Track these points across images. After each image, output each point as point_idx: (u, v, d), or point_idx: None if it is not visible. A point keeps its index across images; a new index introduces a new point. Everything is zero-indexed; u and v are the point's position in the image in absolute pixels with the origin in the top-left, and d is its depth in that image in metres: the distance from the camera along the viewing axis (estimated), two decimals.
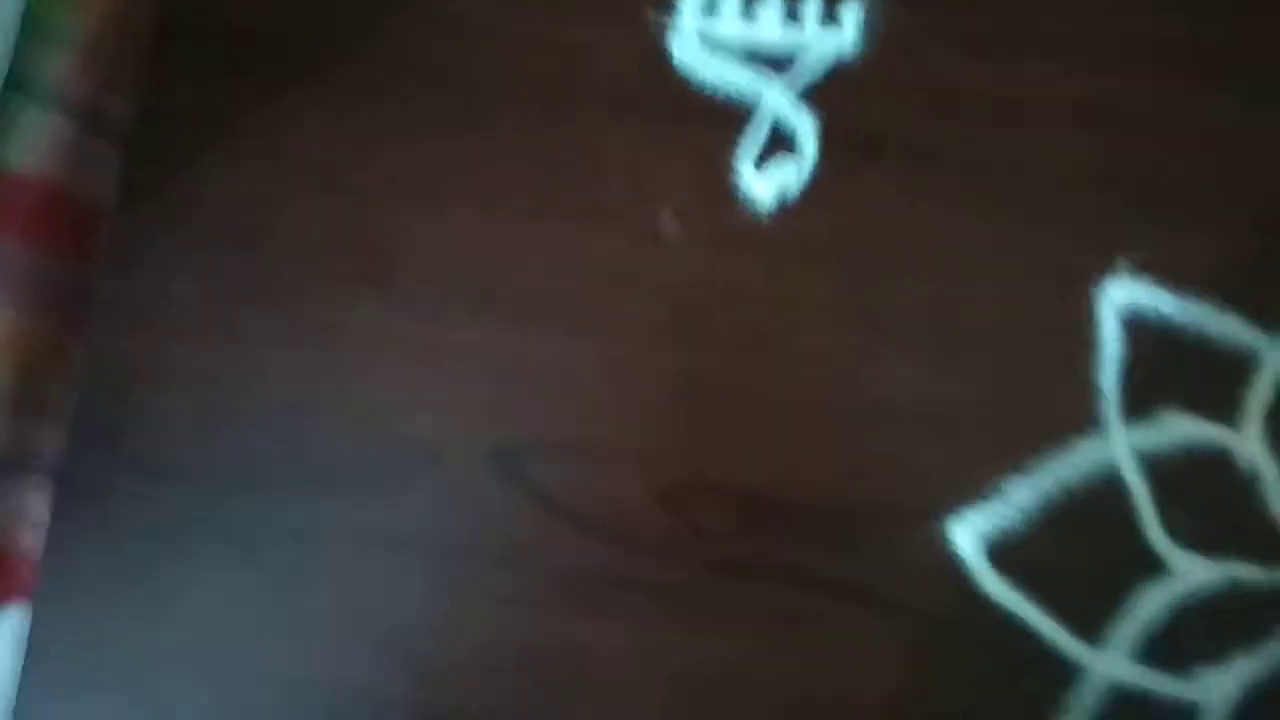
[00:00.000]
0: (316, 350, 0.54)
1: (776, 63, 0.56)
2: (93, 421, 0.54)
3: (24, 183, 0.54)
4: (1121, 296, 0.54)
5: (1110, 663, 0.53)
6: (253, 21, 0.56)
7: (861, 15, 0.56)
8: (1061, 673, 0.53)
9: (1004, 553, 0.53)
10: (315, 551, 0.54)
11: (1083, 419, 0.53)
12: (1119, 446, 0.53)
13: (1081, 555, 0.53)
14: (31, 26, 0.54)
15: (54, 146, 0.55)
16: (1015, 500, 0.53)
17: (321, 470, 0.54)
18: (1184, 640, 0.53)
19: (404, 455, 0.54)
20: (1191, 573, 0.53)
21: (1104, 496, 0.53)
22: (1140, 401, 0.54)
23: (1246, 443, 0.54)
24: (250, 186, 0.55)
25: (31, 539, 0.55)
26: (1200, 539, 0.53)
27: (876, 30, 0.56)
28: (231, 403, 0.54)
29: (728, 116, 0.56)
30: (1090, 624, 0.53)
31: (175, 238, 0.55)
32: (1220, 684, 0.52)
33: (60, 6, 0.55)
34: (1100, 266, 0.54)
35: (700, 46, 0.56)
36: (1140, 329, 0.54)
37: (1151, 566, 0.53)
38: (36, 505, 0.55)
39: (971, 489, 0.53)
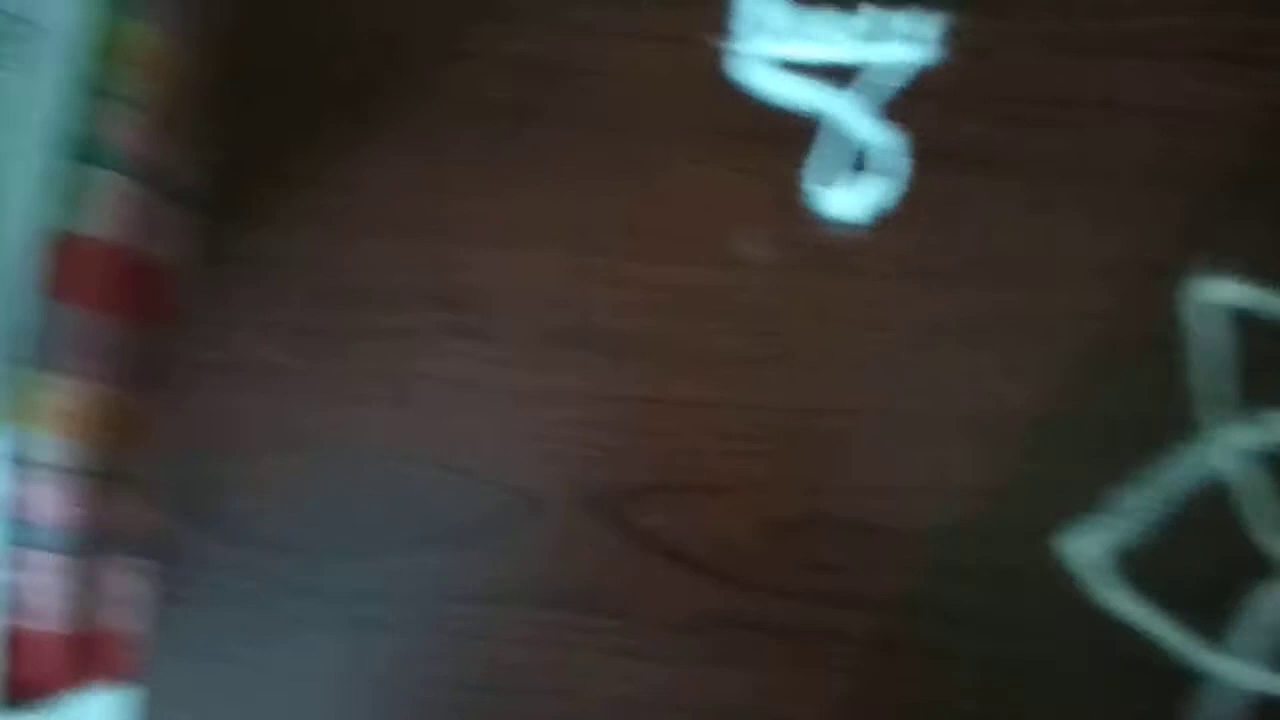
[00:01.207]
0: (409, 404, 0.53)
1: (844, 77, 0.55)
2: (186, 492, 0.53)
3: (96, 249, 0.52)
4: (1217, 296, 0.53)
5: (1232, 668, 0.52)
6: (323, 73, 0.55)
7: (939, 26, 0.55)
8: (1187, 681, 0.52)
9: (1121, 564, 0.52)
10: (421, 609, 0.53)
11: (1188, 424, 0.53)
12: (1225, 449, 0.53)
13: (1197, 562, 0.52)
14: (97, 90, 0.52)
15: (125, 211, 0.53)
16: (1128, 511, 0.52)
17: (421, 526, 0.53)
18: None
19: (504, 505, 0.53)
20: None
21: (1215, 501, 0.53)
22: (1244, 402, 0.53)
23: None
24: (331, 240, 0.54)
25: (122, 617, 0.53)
26: None
27: (955, 40, 0.55)
28: (326, 464, 0.53)
29: (800, 135, 0.55)
30: (1211, 631, 0.52)
31: (258, 296, 0.54)
32: None
33: (125, 70, 0.54)
34: (1195, 266, 0.53)
35: (769, 66, 0.55)
36: (1239, 328, 0.53)
37: (1266, 569, 0.52)
38: (132, 582, 0.53)
39: (1083, 502, 0.52)
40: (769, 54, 0.54)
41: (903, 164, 0.54)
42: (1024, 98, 0.55)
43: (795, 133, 0.55)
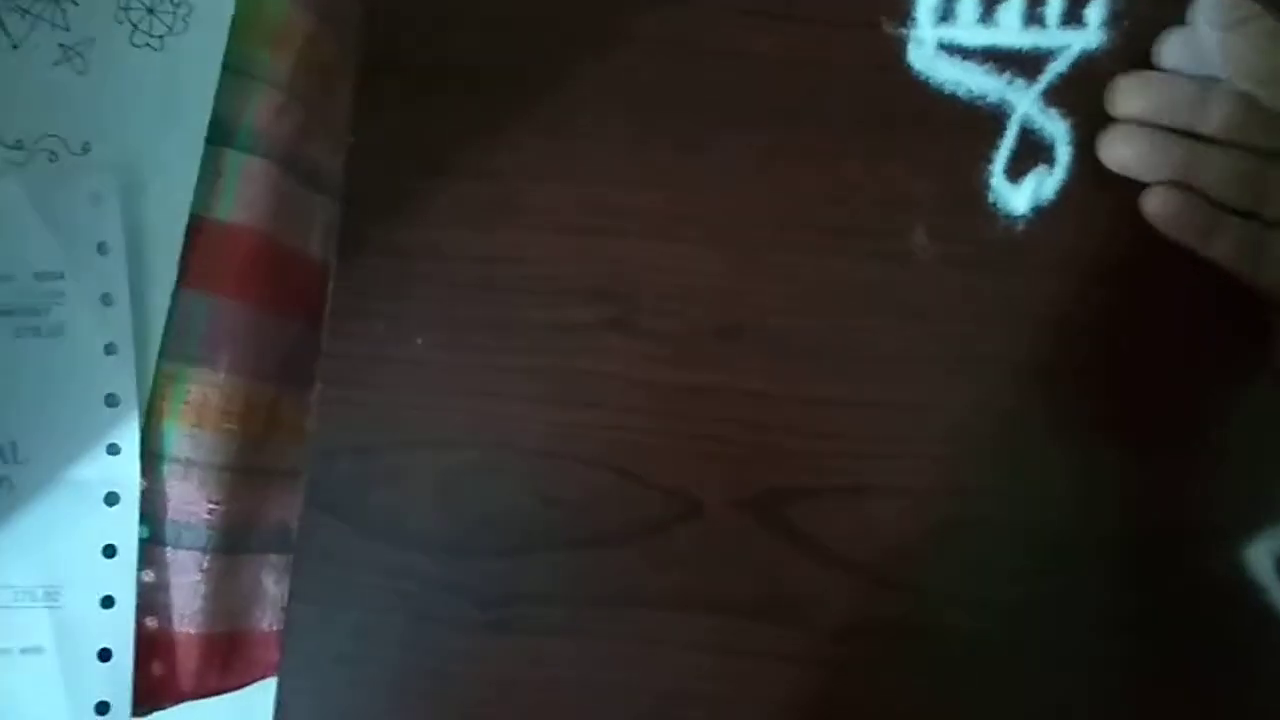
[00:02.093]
0: (563, 401, 0.51)
1: (1021, 66, 0.53)
2: (329, 488, 0.51)
3: (235, 235, 0.50)
4: None
5: None
6: (463, 52, 0.53)
7: (1106, 11, 0.52)
8: None
9: None
10: (573, 613, 0.51)
11: None
12: None
13: None
14: (239, 70, 0.50)
15: (263, 194, 0.51)
16: None
17: (576, 527, 0.51)
18: None
19: (663, 507, 0.51)
20: None
21: None
22: None
23: None
24: (483, 232, 0.52)
25: (262, 616, 0.52)
26: None
27: (1123, 25, 0.52)
28: (476, 461, 0.51)
29: (974, 125, 0.53)
30: None
31: (406, 288, 0.51)
32: None
33: (257, 46, 0.51)
34: None
35: (940, 54, 0.52)
36: None
37: None
38: (273, 580, 0.51)
39: (1265, 508, 0.50)
40: (946, 39, 0.52)
41: (1075, 154, 0.52)
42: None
43: (969, 122, 0.53)
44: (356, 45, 0.53)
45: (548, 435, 0.51)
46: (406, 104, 0.53)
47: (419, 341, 0.51)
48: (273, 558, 0.52)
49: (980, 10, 0.53)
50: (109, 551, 0.48)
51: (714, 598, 0.51)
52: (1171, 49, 0.51)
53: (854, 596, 0.51)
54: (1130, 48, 0.53)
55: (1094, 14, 0.53)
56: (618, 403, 0.51)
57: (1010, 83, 0.53)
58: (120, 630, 0.48)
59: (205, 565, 0.50)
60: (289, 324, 0.53)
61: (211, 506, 0.50)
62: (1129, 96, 0.50)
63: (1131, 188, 0.52)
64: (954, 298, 0.52)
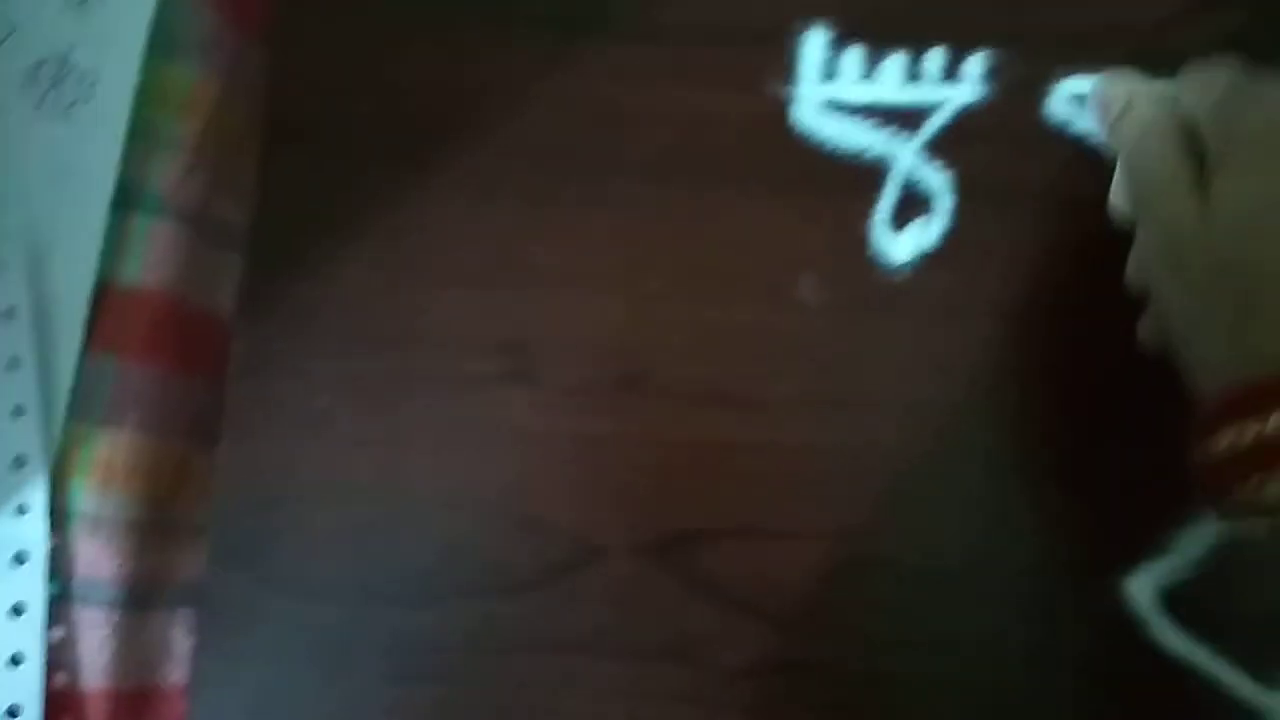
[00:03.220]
0: (467, 452, 0.52)
1: (903, 120, 0.55)
2: (233, 542, 0.52)
3: (142, 298, 0.51)
4: None
5: None
6: (364, 114, 0.55)
7: (984, 67, 0.55)
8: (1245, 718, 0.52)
9: (1179, 604, 0.52)
10: (480, 661, 0.52)
11: None
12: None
13: (1257, 599, 0.52)
14: (137, 134, 0.52)
15: (169, 257, 0.52)
16: (1186, 550, 0.52)
17: (481, 576, 0.52)
18: None
19: (567, 553, 0.52)
20: None
21: (1271, 537, 0.52)
22: None
23: None
24: (378, 285, 0.53)
25: (170, 670, 0.52)
26: None
27: (1000, 80, 0.55)
28: (381, 512, 0.52)
29: (859, 178, 0.55)
30: (1269, 668, 0.52)
31: (306, 343, 0.53)
32: None
33: (164, 111, 0.53)
34: None
35: (825, 111, 0.55)
36: None
37: None
38: (181, 635, 0.52)
39: (1143, 542, 0.52)
40: (830, 99, 0.54)
41: (956, 204, 0.54)
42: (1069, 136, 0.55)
43: (853, 176, 0.55)
44: (263, 108, 0.55)
45: (451, 486, 0.52)
46: (310, 164, 0.54)
47: (322, 397, 0.52)
48: (182, 612, 0.53)
49: (863, 68, 0.55)
50: (17, 610, 0.49)
51: (618, 643, 0.52)
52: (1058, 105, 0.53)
53: (756, 638, 0.52)
54: (1007, 102, 0.55)
55: (972, 70, 0.55)
56: (520, 453, 0.53)
57: (892, 137, 0.55)
58: (28, 688, 0.49)
59: (114, 621, 0.51)
60: (198, 382, 0.54)
61: (120, 563, 0.51)
62: None
63: (1009, 235, 0.54)
64: (843, 343, 0.54)
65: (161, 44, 0.53)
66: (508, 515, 0.52)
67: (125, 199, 0.52)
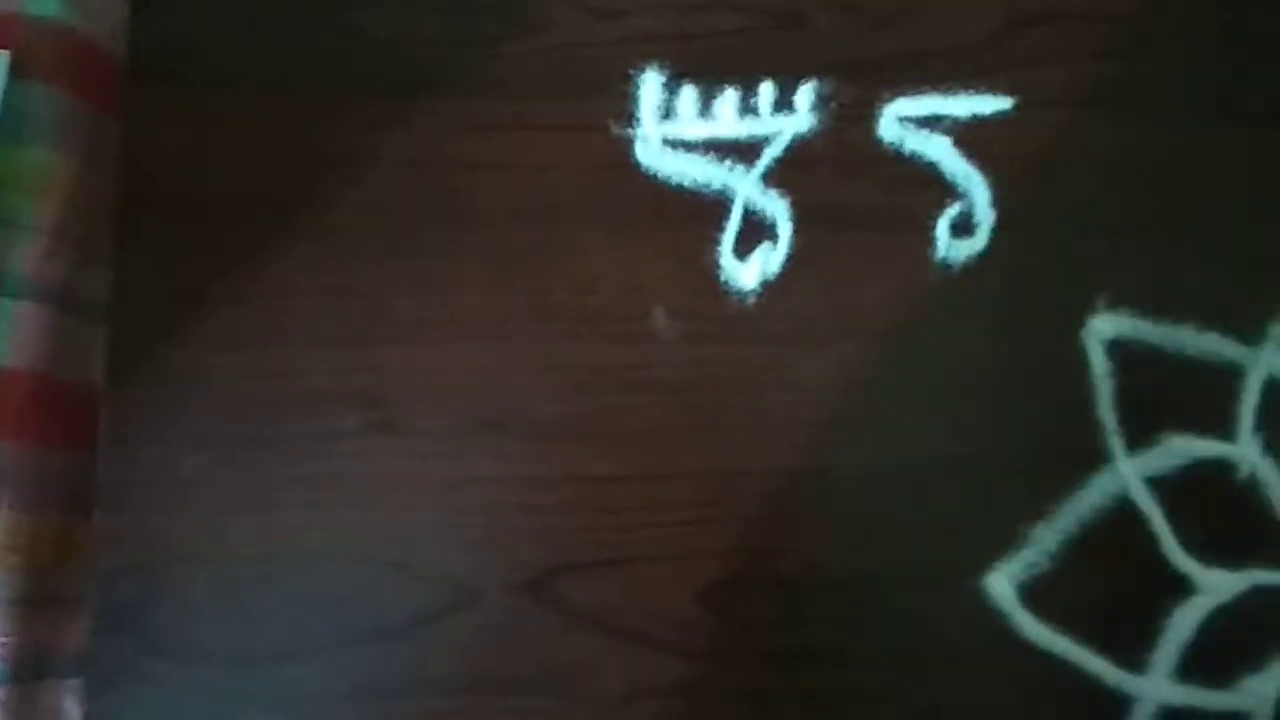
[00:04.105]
0: (333, 505, 0.54)
1: (740, 153, 0.57)
2: (114, 609, 0.53)
3: (9, 379, 0.53)
4: (1106, 330, 0.56)
5: (1156, 687, 0.54)
6: (226, 187, 0.56)
7: (814, 96, 0.57)
8: (1111, 704, 0.54)
9: (1039, 598, 0.54)
10: (362, 707, 0.53)
11: (1091, 455, 0.55)
12: (1129, 477, 0.55)
13: (1111, 587, 0.55)
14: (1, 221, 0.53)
15: (34, 336, 0.54)
16: (1042, 545, 0.54)
17: (359, 624, 0.53)
18: (1222, 652, 0.54)
19: (442, 596, 0.53)
20: (1217, 586, 0.55)
21: (1123, 527, 0.55)
22: (1140, 429, 0.55)
23: (1245, 452, 0.56)
24: (245, 351, 0.55)
25: None
26: (1219, 552, 0.54)
27: (830, 108, 0.57)
28: (256, 569, 0.53)
29: (702, 211, 0.57)
30: (1131, 652, 0.54)
31: (177, 411, 0.54)
32: (1263, 690, 0.54)
33: (20, 196, 0.54)
34: (1083, 304, 0.56)
35: (665, 149, 0.57)
36: (1129, 359, 0.56)
37: (1178, 587, 0.54)
38: (73, 703, 0.53)
39: (1000, 541, 0.54)
40: (670, 136, 0.56)
41: (795, 229, 0.56)
42: (898, 157, 0.57)
43: (697, 209, 0.57)
44: (117, 185, 0.56)
45: (323, 539, 0.54)
46: (169, 234, 0.56)
47: (190, 461, 0.54)
48: (72, 681, 0.54)
49: (698, 105, 0.57)
50: None
51: (492, 678, 0.53)
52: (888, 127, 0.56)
53: (629, 664, 0.54)
54: (839, 129, 0.57)
55: (802, 100, 0.57)
56: (388, 502, 0.54)
57: (731, 169, 0.57)
58: None
59: (1, 697, 0.52)
60: (73, 456, 0.55)
61: (4, 640, 0.52)
62: None
63: (848, 256, 0.56)
64: (698, 370, 0.55)
65: (13, 129, 0.55)
66: (379, 563, 0.54)
67: None
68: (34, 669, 0.53)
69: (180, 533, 0.54)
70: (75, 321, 0.56)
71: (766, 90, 0.57)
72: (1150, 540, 0.55)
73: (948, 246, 0.57)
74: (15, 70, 0.55)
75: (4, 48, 0.54)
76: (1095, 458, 0.55)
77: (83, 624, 0.54)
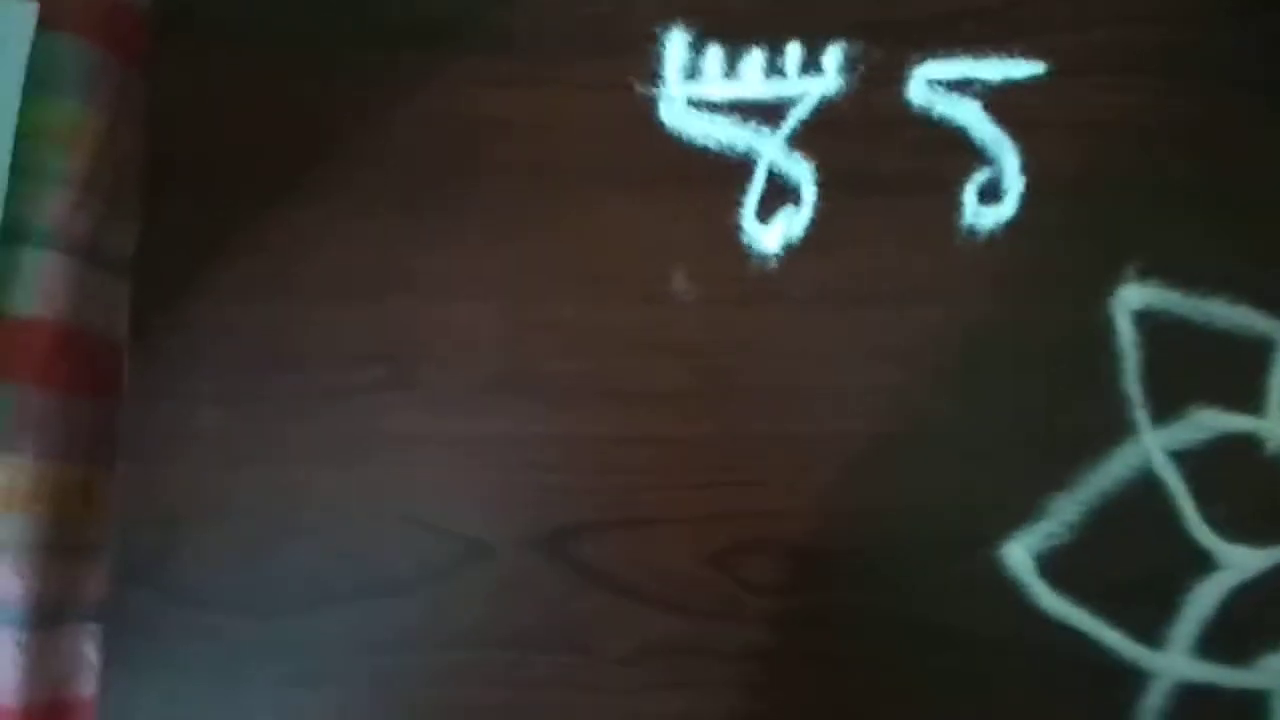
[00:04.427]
0: (354, 460, 0.54)
1: (765, 115, 0.56)
2: (134, 558, 0.54)
3: (35, 327, 0.53)
4: (1135, 301, 0.55)
5: (1174, 663, 0.53)
6: (244, 142, 0.56)
7: (842, 58, 0.56)
8: (1128, 679, 0.53)
9: (1057, 569, 0.54)
10: (377, 660, 0.53)
11: (1115, 427, 0.54)
12: (1153, 449, 0.54)
13: (1132, 561, 0.54)
14: (23, 170, 0.53)
15: (61, 287, 0.54)
16: (1062, 517, 0.54)
17: (374, 578, 0.54)
18: (1242, 630, 0.53)
19: (455, 551, 0.54)
20: (1239, 562, 0.54)
21: (1146, 500, 0.54)
22: (1167, 402, 0.54)
23: (1274, 427, 0.54)
24: (263, 304, 0.55)
25: (77, 684, 0.54)
26: (1243, 528, 0.53)
27: (858, 70, 0.56)
28: (273, 522, 0.54)
29: (725, 173, 0.56)
30: (1149, 627, 0.53)
31: (197, 364, 0.55)
32: None
33: (49, 148, 0.55)
34: (1112, 274, 0.55)
35: (689, 109, 0.56)
36: (1158, 331, 0.55)
37: (1200, 562, 0.54)
38: (91, 649, 0.54)
39: (1018, 511, 0.54)
40: (694, 96, 0.56)
41: (819, 193, 0.55)
42: (927, 121, 0.56)
43: (720, 171, 0.56)
44: (144, 138, 0.57)
45: (338, 493, 0.54)
46: (192, 190, 0.57)
47: (211, 415, 0.54)
48: (91, 627, 0.55)
49: (724, 65, 0.57)
50: None
51: (502, 634, 0.54)
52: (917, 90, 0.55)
53: (639, 623, 0.54)
54: (866, 91, 0.56)
55: (830, 61, 0.56)
56: (402, 457, 0.54)
57: (756, 131, 0.56)
58: None
59: (22, 641, 0.53)
60: (97, 406, 0.56)
61: (26, 585, 0.53)
62: None
63: (872, 222, 0.55)
64: (716, 333, 0.55)
65: (43, 81, 0.55)
66: (394, 519, 0.54)
67: (14, 234, 0.54)
68: (55, 614, 0.54)
69: (200, 485, 0.55)
70: (101, 273, 0.56)
71: (794, 51, 0.57)
72: (1173, 514, 0.54)
73: (975, 213, 0.56)
74: (43, 22, 0.55)
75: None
76: (1119, 430, 0.54)
77: (102, 572, 0.55)
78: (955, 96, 0.56)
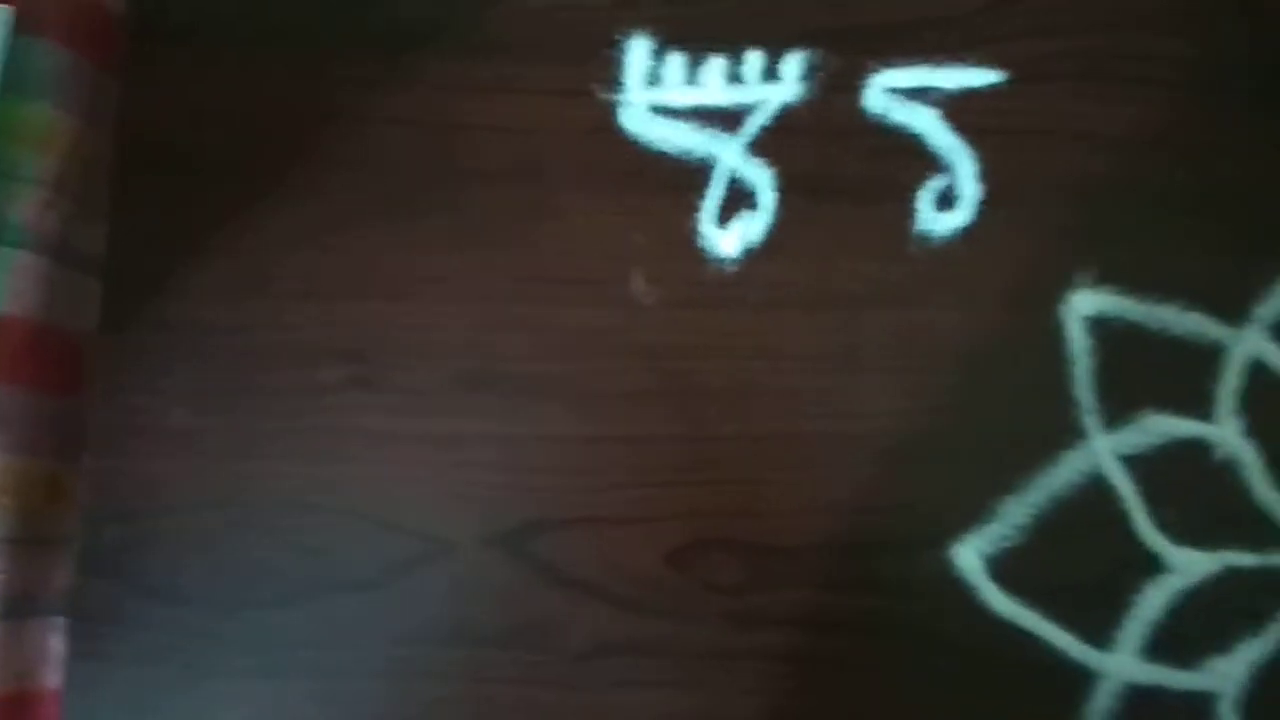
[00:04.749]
0: (315, 457, 0.55)
1: (725, 121, 0.57)
2: (100, 552, 0.55)
3: (5, 325, 0.54)
4: (1088, 307, 0.56)
5: (1121, 664, 0.54)
6: (219, 144, 0.57)
7: (802, 66, 0.57)
8: (1075, 680, 0.54)
9: (1007, 570, 0.54)
10: (339, 655, 0.54)
11: (1065, 431, 0.55)
12: (1103, 453, 0.55)
13: (1081, 563, 0.55)
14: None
15: (31, 285, 0.55)
16: (1012, 518, 0.55)
17: (332, 573, 0.55)
18: (1189, 633, 0.54)
19: (414, 548, 0.55)
20: (1188, 566, 0.55)
21: (1095, 504, 0.55)
22: (1118, 407, 0.55)
23: (1224, 433, 0.55)
24: (229, 302, 0.56)
25: (47, 676, 0.55)
26: (1192, 532, 0.54)
27: (817, 78, 0.57)
28: (239, 518, 0.55)
29: (686, 178, 0.57)
30: (1097, 629, 0.54)
31: (162, 360, 0.56)
32: (1229, 671, 0.54)
33: (19, 147, 0.56)
34: (1065, 280, 0.56)
35: (650, 115, 0.57)
36: (1110, 337, 0.55)
37: (1149, 565, 0.54)
38: (57, 641, 0.55)
39: (968, 513, 0.55)
40: (656, 103, 0.57)
41: (778, 198, 0.56)
42: (884, 127, 0.57)
43: (680, 176, 0.57)
44: (115, 139, 0.58)
45: (303, 490, 0.55)
46: (162, 189, 0.57)
47: (178, 411, 0.55)
48: (57, 620, 0.56)
49: (685, 73, 0.58)
50: None
51: (464, 631, 0.55)
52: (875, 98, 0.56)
53: (600, 621, 0.55)
54: (826, 99, 0.57)
55: (790, 69, 0.57)
56: (367, 455, 0.55)
57: (716, 137, 0.57)
58: None
59: None
60: (65, 402, 0.57)
61: None
62: None
63: (830, 227, 0.56)
64: (675, 335, 0.56)
65: (16, 84, 0.56)
66: (357, 515, 0.55)
67: None
68: (20, 607, 0.55)
69: (167, 480, 0.56)
70: (70, 272, 0.57)
71: (754, 59, 0.58)
72: (1122, 518, 0.55)
73: (931, 219, 0.56)
74: (18, 26, 0.56)
75: (7, 3, 0.55)
76: (1070, 434, 0.55)
77: (68, 565, 0.56)
78: (913, 104, 0.57)
